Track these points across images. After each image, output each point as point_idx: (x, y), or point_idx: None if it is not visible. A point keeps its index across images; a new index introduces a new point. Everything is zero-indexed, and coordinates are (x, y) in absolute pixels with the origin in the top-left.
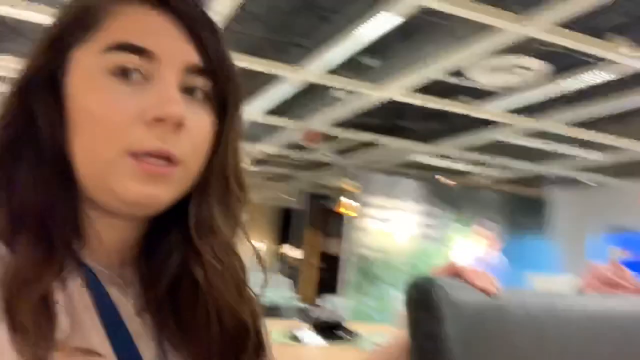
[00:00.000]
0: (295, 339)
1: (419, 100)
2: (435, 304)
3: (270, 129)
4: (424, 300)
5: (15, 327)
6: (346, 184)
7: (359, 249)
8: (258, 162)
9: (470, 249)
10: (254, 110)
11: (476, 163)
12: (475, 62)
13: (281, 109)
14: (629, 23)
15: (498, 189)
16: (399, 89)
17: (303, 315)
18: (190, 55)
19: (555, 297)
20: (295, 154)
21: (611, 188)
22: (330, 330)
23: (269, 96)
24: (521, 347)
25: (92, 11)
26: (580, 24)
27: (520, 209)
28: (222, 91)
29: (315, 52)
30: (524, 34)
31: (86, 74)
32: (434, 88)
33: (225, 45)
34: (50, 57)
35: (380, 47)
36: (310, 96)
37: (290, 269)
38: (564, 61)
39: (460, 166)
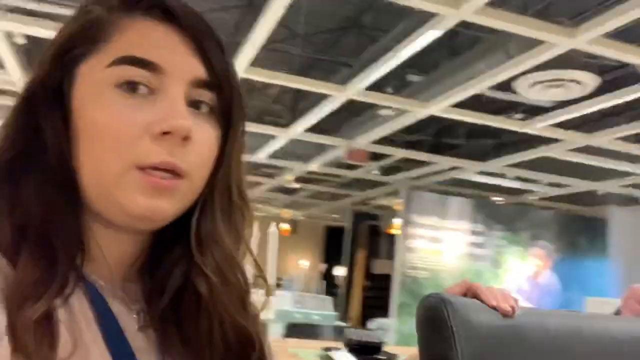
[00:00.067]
0: (328, 359)
1: (467, 117)
2: (447, 323)
3: (317, 148)
4: (434, 320)
5: (17, 346)
6: (394, 203)
7: (408, 270)
8: (304, 180)
9: (523, 270)
10: (300, 129)
11: (527, 180)
12: (523, 77)
13: (327, 127)
14: None
15: (552, 208)
16: (446, 105)
17: (342, 335)
18: (197, 69)
19: (581, 318)
20: (341, 173)
21: None
22: (367, 352)
23: (315, 115)
24: None
25: (99, 25)
26: (630, 35)
27: (576, 228)
28: (227, 105)
29: (360, 71)
30: (573, 47)
31: (93, 87)
32: (482, 104)
33: (230, 59)
34: (57, 70)
35: (427, 64)
36: (356, 114)
37: (336, 289)
38: (615, 74)
39: (510, 184)
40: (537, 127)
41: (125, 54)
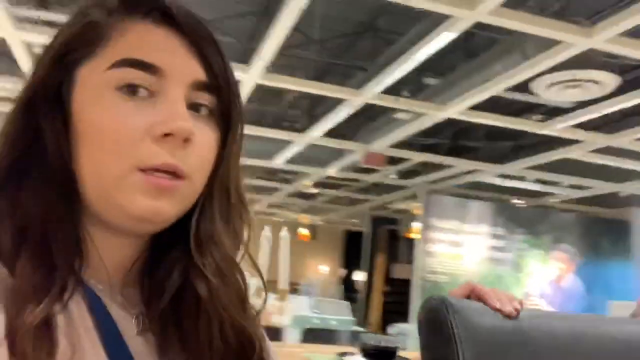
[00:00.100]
0: None
1: (485, 119)
2: (448, 325)
3: (334, 152)
4: (435, 322)
5: (16, 352)
6: (413, 207)
7: (427, 274)
8: (322, 185)
9: (545, 273)
10: (317, 134)
11: (547, 183)
12: (540, 78)
13: (344, 132)
14: None
15: (573, 210)
16: (463, 108)
17: (357, 340)
18: (196, 71)
19: (587, 321)
20: (359, 177)
21: None
22: (382, 357)
23: (331, 119)
24: None
25: (97, 28)
26: None
27: (599, 231)
28: (226, 107)
29: (376, 74)
30: (590, 46)
31: (93, 90)
32: (500, 106)
33: (229, 62)
34: (56, 73)
35: (443, 66)
36: (372, 118)
37: (356, 294)
38: (635, 73)
39: (531, 186)
40: (556, 128)
41: (125, 57)
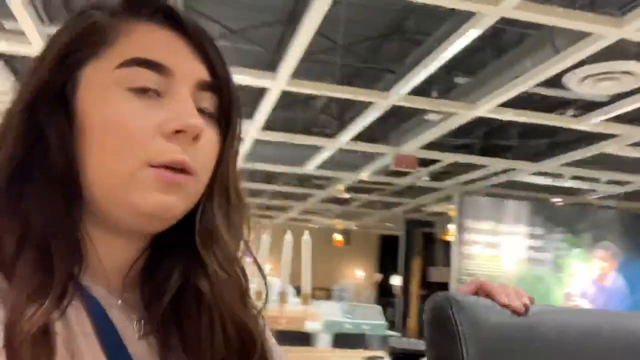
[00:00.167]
0: None
1: (517, 117)
2: (452, 323)
3: (365, 156)
4: (440, 319)
5: None
6: (448, 209)
7: (465, 277)
8: (355, 190)
9: (586, 273)
10: (347, 138)
11: (585, 179)
12: (572, 72)
13: (374, 135)
14: None
15: (613, 207)
16: (494, 106)
17: (387, 344)
18: (201, 71)
19: (601, 316)
20: (391, 180)
21: None
22: None
23: (361, 123)
24: None
25: (102, 28)
26: None
27: None
28: (227, 109)
29: (404, 76)
30: (621, 36)
31: (101, 89)
32: (532, 103)
33: (228, 65)
34: (58, 74)
35: (472, 65)
36: (402, 120)
37: (393, 299)
38: None
39: (568, 184)
40: (592, 122)
41: (134, 56)
